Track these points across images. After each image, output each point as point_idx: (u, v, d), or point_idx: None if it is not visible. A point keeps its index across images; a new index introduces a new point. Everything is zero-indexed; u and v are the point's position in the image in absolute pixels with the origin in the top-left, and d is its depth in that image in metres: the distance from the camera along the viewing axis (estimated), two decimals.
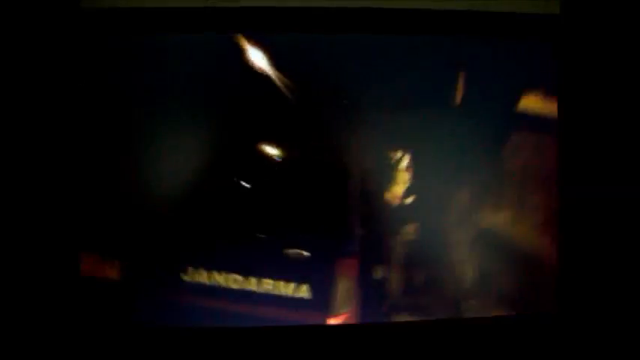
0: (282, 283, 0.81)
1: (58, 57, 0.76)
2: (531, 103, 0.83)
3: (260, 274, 0.81)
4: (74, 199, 0.78)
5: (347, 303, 0.82)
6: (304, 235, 0.81)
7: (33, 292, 0.76)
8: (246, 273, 0.81)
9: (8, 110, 0.76)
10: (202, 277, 0.80)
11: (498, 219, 0.84)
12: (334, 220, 0.82)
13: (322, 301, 0.81)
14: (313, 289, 0.81)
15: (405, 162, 0.81)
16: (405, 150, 0.82)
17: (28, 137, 0.76)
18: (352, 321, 0.82)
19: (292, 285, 0.81)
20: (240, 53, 0.80)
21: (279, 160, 0.81)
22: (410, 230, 0.83)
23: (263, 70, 0.80)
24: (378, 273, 0.82)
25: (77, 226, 0.78)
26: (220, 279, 0.81)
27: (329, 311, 0.81)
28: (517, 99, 0.83)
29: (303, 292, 0.81)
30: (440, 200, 0.83)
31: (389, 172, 0.82)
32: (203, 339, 0.80)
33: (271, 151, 0.81)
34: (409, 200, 0.82)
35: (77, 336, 0.77)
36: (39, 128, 0.76)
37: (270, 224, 0.81)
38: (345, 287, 0.82)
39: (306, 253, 0.79)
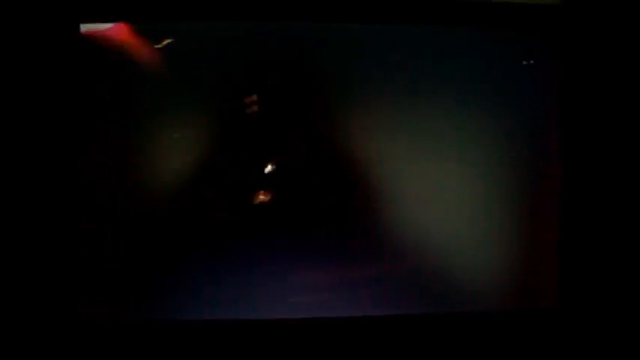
0: None
1: (55, 49, 0.76)
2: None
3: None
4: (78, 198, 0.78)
5: None
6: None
7: (33, 289, 0.76)
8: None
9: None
10: None
11: (498, 212, 0.84)
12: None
13: None
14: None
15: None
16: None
17: (25, 136, 0.76)
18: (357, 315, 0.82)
19: None
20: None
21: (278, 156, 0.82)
22: (409, 224, 0.82)
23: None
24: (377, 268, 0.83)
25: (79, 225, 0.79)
26: None
27: None
28: (516, 91, 0.83)
29: None
30: (438, 193, 0.83)
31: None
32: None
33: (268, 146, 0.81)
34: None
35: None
36: (37, 125, 0.77)
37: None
38: None
39: None
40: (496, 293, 0.84)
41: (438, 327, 0.82)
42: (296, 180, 0.82)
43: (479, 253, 0.83)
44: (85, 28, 0.79)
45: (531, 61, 0.83)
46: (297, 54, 0.81)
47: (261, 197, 0.81)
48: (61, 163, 0.77)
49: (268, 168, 0.81)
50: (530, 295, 0.84)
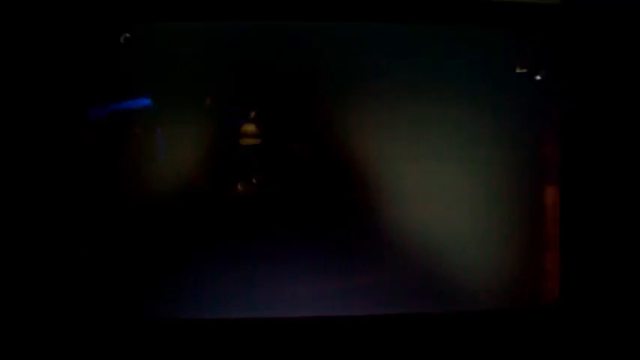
0: None
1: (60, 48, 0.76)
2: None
3: None
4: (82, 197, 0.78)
5: None
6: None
7: (33, 289, 0.76)
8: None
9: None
10: None
11: (498, 211, 0.84)
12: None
13: None
14: None
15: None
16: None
17: (25, 137, 0.76)
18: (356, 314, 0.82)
19: None
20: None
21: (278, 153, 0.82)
22: (409, 223, 0.83)
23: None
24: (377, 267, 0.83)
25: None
26: None
27: None
28: (516, 91, 0.83)
29: None
30: (438, 193, 0.83)
31: None
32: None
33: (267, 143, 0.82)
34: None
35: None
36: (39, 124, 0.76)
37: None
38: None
39: None
40: (497, 291, 0.84)
41: (439, 325, 0.82)
42: (296, 180, 0.82)
43: (479, 252, 0.83)
44: (85, 28, 0.79)
45: (531, 61, 0.83)
46: (297, 54, 0.81)
47: (261, 197, 0.81)
48: (61, 163, 0.77)
49: (268, 168, 0.81)
50: (531, 293, 0.84)
